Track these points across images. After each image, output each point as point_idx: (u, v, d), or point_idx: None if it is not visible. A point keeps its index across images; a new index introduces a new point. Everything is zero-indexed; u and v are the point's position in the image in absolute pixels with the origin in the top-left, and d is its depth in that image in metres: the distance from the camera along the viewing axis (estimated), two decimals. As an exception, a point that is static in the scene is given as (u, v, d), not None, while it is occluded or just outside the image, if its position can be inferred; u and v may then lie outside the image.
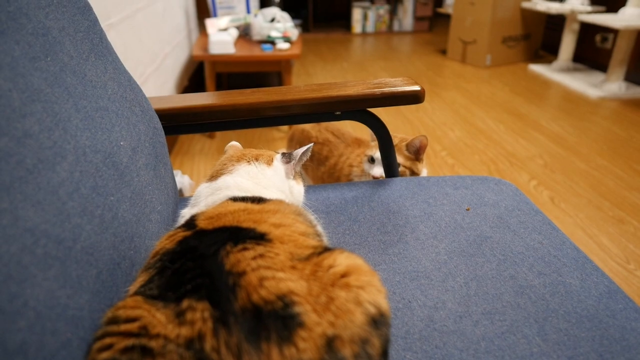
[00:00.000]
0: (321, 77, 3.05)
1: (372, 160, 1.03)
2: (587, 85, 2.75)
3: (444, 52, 3.72)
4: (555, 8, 2.87)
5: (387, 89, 0.70)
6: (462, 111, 2.40)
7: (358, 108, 0.73)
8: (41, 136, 0.37)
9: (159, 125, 0.60)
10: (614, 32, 2.87)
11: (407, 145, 1.04)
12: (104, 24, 1.19)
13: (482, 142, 2.01)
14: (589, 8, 2.84)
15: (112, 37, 1.25)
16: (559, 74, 2.99)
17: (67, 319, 0.33)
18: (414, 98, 0.70)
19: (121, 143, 0.47)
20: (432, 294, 0.54)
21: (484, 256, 0.59)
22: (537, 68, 3.17)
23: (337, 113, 0.72)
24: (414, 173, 1.04)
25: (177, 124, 0.70)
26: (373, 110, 0.76)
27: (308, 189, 0.75)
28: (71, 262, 0.35)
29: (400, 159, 1.00)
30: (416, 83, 0.72)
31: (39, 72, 0.41)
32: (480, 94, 2.67)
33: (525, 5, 3.11)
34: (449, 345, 0.47)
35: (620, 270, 1.22)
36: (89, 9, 0.55)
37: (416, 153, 1.05)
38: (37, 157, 0.36)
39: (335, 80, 2.97)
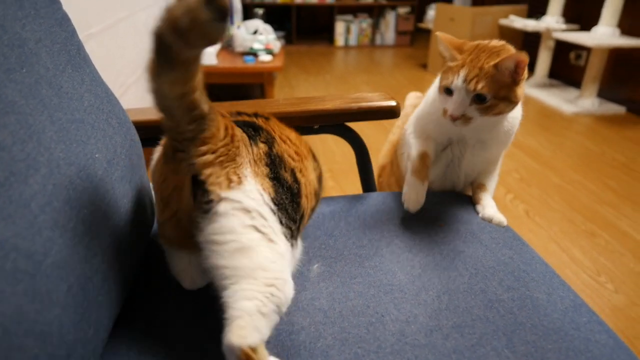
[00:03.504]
0: (304, 89, 3.07)
1: (448, 91, 0.71)
2: (562, 101, 2.83)
3: (424, 66, 3.79)
4: (531, 26, 2.96)
5: (364, 104, 0.71)
6: (441, 125, 2.44)
7: (336, 122, 0.74)
8: (14, 148, 0.37)
9: (136, 137, 0.60)
10: (587, 49, 2.97)
11: (497, 66, 0.66)
12: (84, 33, 1.19)
13: (460, 156, 2.05)
14: (564, 26, 2.94)
15: (92, 47, 1.24)
16: (536, 89, 3.07)
17: (35, 335, 0.33)
18: (391, 113, 0.72)
19: (96, 155, 0.47)
20: (404, 307, 0.54)
21: (457, 270, 0.61)
22: (514, 84, 3.24)
23: (315, 127, 0.73)
24: (510, 103, 0.69)
25: (155, 136, 0.70)
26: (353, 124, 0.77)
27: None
28: (41, 277, 0.35)
29: (484, 87, 0.66)
30: (393, 98, 0.74)
31: (14, 83, 0.40)
32: (460, 108, 2.72)
33: (503, 22, 3.20)
34: (421, 359, 0.48)
35: (591, 282, 1.25)
36: (67, 20, 0.55)
37: (513, 75, 0.68)
38: (9, 170, 0.36)
39: (318, 92, 2.99)
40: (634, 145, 2.23)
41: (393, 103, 0.72)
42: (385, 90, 2.91)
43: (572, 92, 3.02)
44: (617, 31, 2.56)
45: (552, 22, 3.00)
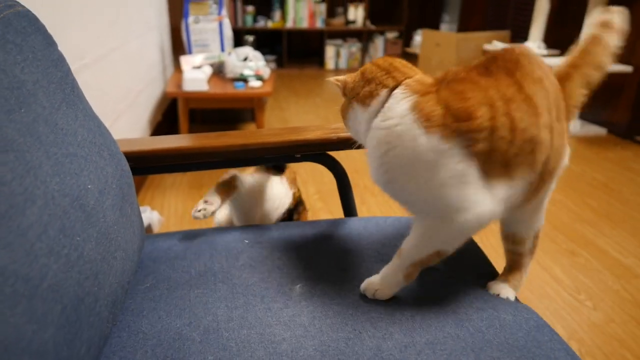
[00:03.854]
0: (294, 111, 3.13)
1: None
2: (545, 123, 2.91)
3: (412, 89, 3.88)
4: (514, 51, 3.06)
5: (342, 134, 0.76)
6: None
7: (317, 151, 0.78)
8: (13, 183, 0.41)
9: (127, 167, 0.64)
10: (568, 74, 3.06)
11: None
12: (78, 64, 1.23)
13: (446, 177, 2.10)
14: (545, 52, 3.04)
15: (85, 76, 1.29)
16: (520, 112, 3.16)
17: (31, 353, 0.36)
18: (368, 142, 0.76)
19: (89, 186, 0.51)
20: (381, 325, 0.58)
21: (430, 293, 0.64)
22: (499, 106, 3.34)
23: (297, 156, 0.77)
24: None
25: (145, 165, 0.74)
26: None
27: (269, 227, 0.79)
28: (37, 300, 0.38)
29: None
30: (371, 128, 0.78)
31: (14, 123, 0.44)
32: (446, 131, 2.79)
33: (487, 47, 3.31)
34: (393, 374, 0.51)
35: (571, 300, 1.28)
36: (62, 60, 0.59)
37: None
38: (8, 203, 0.39)
39: (307, 115, 3.06)
40: (614, 165, 2.29)
41: (370, 132, 0.77)
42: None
43: (554, 114, 3.11)
44: (595, 56, 2.65)
45: (533, 47, 3.10)
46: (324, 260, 0.70)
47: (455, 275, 0.67)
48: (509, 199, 0.53)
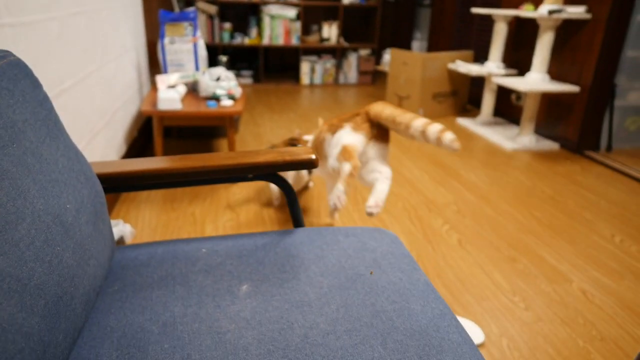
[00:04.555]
0: (268, 127, 3.26)
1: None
2: (504, 138, 3.11)
3: (383, 105, 4.05)
4: (475, 70, 3.26)
5: (288, 157, 0.89)
6: (392, 161, 2.65)
7: (268, 172, 0.91)
8: (8, 205, 0.52)
9: (100, 188, 0.76)
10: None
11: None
12: (57, 89, 1.34)
13: (407, 190, 2.25)
14: (503, 71, 3.25)
15: (64, 100, 1.40)
16: (482, 127, 3.35)
17: (22, 334, 0.47)
18: (310, 164, 0.90)
19: (67, 206, 0.63)
20: (310, 317, 0.70)
21: (355, 289, 0.77)
22: (463, 121, 3.53)
23: (250, 176, 0.90)
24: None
25: (116, 185, 0.86)
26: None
27: (226, 238, 0.92)
28: (26, 295, 0.50)
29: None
30: (313, 152, 0.92)
31: (7, 156, 0.56)
32: (411, 146, 2.96)
33: (451, 66, 3.50)
34: (316, 354, 0.64)
35: (506, 301, 1.43)
36: (46, 100, 0.71)
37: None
38: (5, 220, 0.51)
39: (281, 130, 3.19)
40: (562, 178, 2.48)
41: (312, 157, 0.90)
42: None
43: (514, 130, 3.31)
44: (547, 77, 2.87)
45: (493, 67, 3.31)
46: (269, 265, 0.83)
47: (379, 275, 0.80)
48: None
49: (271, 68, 5.39)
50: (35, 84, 0.70)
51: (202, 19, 4.50)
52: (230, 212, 1.95)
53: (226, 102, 2.15)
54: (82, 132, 1.58)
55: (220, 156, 0.90)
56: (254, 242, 0.90)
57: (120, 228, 1.47)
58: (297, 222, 0.98)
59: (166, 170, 0.86)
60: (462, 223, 1.94)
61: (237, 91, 2.26)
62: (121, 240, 1.47)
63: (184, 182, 0.91)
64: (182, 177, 0.88)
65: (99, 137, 1.77)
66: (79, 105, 1.55)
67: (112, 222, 1.54)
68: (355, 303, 0.74)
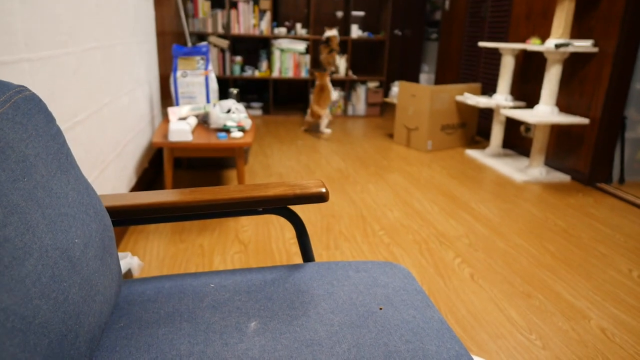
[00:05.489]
0: (277, 158, 3.27)
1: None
2: (514, 170, 3.09)
3: (391, 135, 4.07)
4: (483, 102, 3.28)
5: (299, 191, 0.88)
6: (402, 193, 2.64)
7: (278, 205, 0.90)
8: (16, 240, 0.52)
9: (109, 222, 0.75)
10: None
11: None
12: (71, 121, 1.36)
13: (417, 223, 2.23)
14: (511, 103, 3.26)
15: (78, 132, 1.42)
16: (491, 159, 3.34)
17: (23, 376, 0.46)
18: (321, 198, 0.89)
19: (76, 240, 0.62)
20: (320, 357, 0.68)
21: (367, 327, 0.75)
22: (472, 153, 3.52)
23: (260, 209, 0.89)
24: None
25: (125, 218, 0.85)
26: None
27: (234, 272, 0.90)
28: (30, 333, 0.48)
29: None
30: (323, 186, 0.91)
31: (18, 190, 0.56)
32: (421, 177, 2.94)
33: (459, 98, 3.53)
34: (326, 399, 0.61)
35: (522, 339, 1.38)
36: (59, 134, 0.71)
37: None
38: (12, 256, 0.50)
39: (290, 161, 3.20)
40: (575, 211, 2.44)
41: (323, 190, 0.89)
42: (353, 159, 3.16)
43: (523, 162, 3.29)
44: (556, 109, 2.87)
45: (501, 99, 3.32)
46: (278, 301, 0.81)
47: (392, 312, 0.78)
48: None
49: (281, 100, 5.46)
50: (49, 118, 0.70)
51: (214, 53, 4.61)
52: (239, 245, 1.93)
53: (236, 134, 2.16)
54: (94, 164, 1.59)
55: (230, 189, 0.89)
56: (263, 277, 0.88)
57: (128, 261, 1.46)
58: (307, 256, 0.97)
59: (175, 204, 0.85)
60: (474, 256, 1.90)
61: (247, 123, 2.28)
62: (129, 273, 1.45)
63: (193, 216, 0.91)
64: (191, 211, 0.87)
65: (110, 168, 1.79)
66: (91, 137, 1.57)
67: (120, 254, 1.53)
68: (368, 343, 0.71)
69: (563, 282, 1.72)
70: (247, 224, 2.14)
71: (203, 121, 2.48)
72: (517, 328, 1.44)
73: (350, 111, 5.05)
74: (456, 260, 1.87)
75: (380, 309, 0.83)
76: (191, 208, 0.86)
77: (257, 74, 4.74)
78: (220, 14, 4.54)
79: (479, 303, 1.56)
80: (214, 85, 2.62)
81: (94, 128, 1.59)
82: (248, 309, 0.78)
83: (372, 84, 5.00)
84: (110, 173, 1.79)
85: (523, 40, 3.46)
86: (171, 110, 2.37)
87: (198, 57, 2.56)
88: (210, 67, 2.58)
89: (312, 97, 4.08)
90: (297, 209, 2.34)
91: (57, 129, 0.72)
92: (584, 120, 2.73)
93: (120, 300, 0.80)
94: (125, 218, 0.86)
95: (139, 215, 0.87)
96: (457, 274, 1.75)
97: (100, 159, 1.66)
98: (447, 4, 4.72)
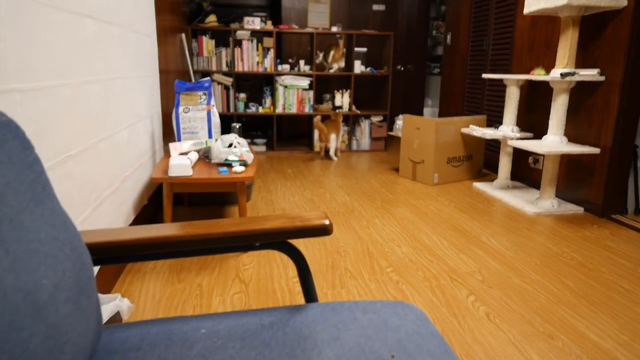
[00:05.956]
0: (280, 193, 3.21)
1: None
2: (524, 202, 3.00)
3: (397, 169, 4.01)
4: (489, 134, 3.23)
5: (299, 223, 0.81)
6: (409, 227, 2.55)
7: (277, 240, 0.83)
8: (-32, 282, 0.44)
9: (88, 260, 0.68)
10: (543, 154, 3.21)
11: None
12: (63, 156, 1.31)
13: (426, 258, 2.13)
14: (518, 134, 3.21)
15: (70, 167, 1.36)
16: (500, 191, 3.26)
17: None
18: (323, 230, 0.81)
19: (44, 281, 0.54)
20: (325, 417, 0.59)
21: (378, 378, 0.66)
22: (480, 185, 3.45)
23: (257, 244, 0.82)
24: None
25: (111, 255, 0.78)
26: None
27: (229, 315, 0.81)
28: (-26, 396, 0.40)
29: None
30: (326, 217, 0.83)
31: (-23, 224, 0.49)
32: (428, 211, 2.86)
33: (464, 131, 3.48)
34: None
35: (548, 386, 1.26)
36: (37, 162, 0.65)
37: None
38: (-40, 301, 0.43)
39: (294, 197, 3.13)
40: (590, 244, 2.34)
41: (326, 222, 0.82)
42: (358, 193, 3.08)
43: (533, 194, 3.21)
44: (565, 139, 2.81)
45: (507, 130, 3.28)
46: (276, 348, 0.72)
47: (406, 358, 0.69)
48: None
49: (284, 136, 5.46)
50: (26, 146, 0.64)
51: (218, 90, 4.64)
52: (240, 284, 1.84)
53: (238, 168, 2.11)
54: (88, 200, 1.53)
55: (225, 223, 0.82)
56: (260, 320, 0.80)
57: (117, 303, 1.37)
58: (310, 296, 0.88)
59: (165, 239, 0.78)
60: (488, 294, 1.79)
61: (249, 157, 2.23)
62: (117, 317, 1.36)
63: (186, 252, 0.83)
64: (183, 246, 0.80)
65: (105, 204, 1.72)
66: (86, 172, 1.51)
67: (109, 296, 1.44)
68: (379, 397, 0.62)
69: (586, 321, 1.60)
70: (248, 262, 2.05)
71: (205, 156, 2.44)
72: (541, 373, 1.32)
73: (354, 146, 5.03)
74: (470, 298, 1.76)
75: (393, 356, 0.73)
76: (183, 243, 0.79)
77: (260, 110, 4.75)
78: (224, 52, 4.60)
79: (498, 345, 1.44)
80: (216, 120, 2.59)
81: (88, 163, 1.54)
82: (242, 358, 0.69)
83: (376, 119, 4.99)
84: (106, 209, 1.73)
85: (527, 71, 3.45)
86: (172, 146, 2.33)
87: (200, 92, 2.54)
88: (212, 102, 2.56)
89: (321, 124, 4.41)
90: (299, 244, 2.25)
91: (35, 157, 0.66)
92: (595, 150, 2.66)
93: (100, 348, 0.71)
94: (110, 255, 0.78)
95: (127, 252, 0.79)
96: (471, 313, 1.64)
97: (94, 194, 1.60)
98: (448, 39, 4.76)
